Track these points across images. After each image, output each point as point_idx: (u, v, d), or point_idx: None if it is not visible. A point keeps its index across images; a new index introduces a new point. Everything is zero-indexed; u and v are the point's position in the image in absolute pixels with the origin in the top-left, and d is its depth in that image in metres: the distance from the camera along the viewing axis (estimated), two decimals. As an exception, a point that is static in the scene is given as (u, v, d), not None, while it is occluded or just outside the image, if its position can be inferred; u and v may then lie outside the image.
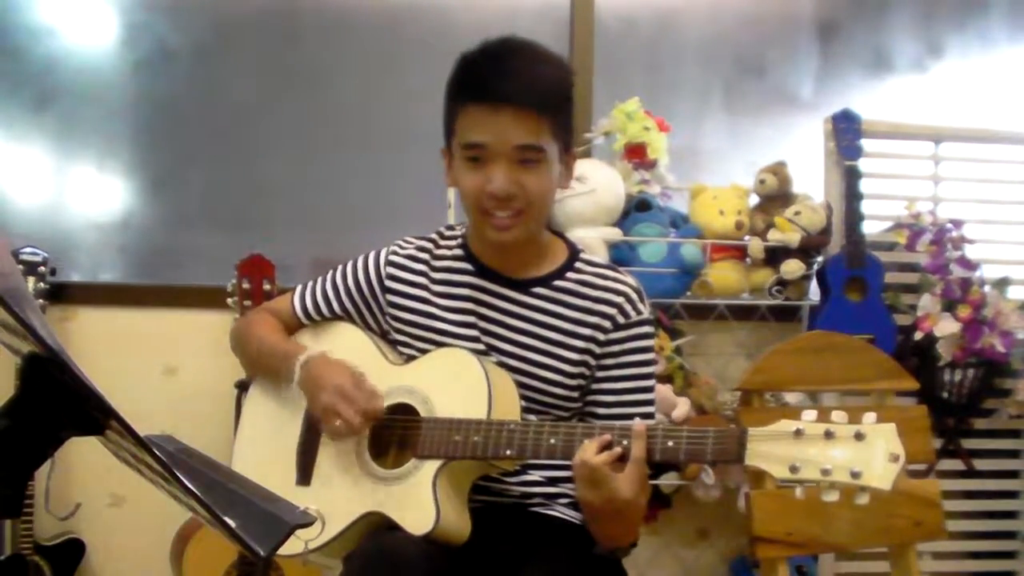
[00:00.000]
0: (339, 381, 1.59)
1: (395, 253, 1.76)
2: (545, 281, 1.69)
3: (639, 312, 1.68)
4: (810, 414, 1.35)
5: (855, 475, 1.30)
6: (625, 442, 1.44)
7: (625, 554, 1.59)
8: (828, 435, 1.32)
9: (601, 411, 1.66)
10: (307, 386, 1.65)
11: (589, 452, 1.43)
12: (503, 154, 1.56)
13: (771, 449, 1.35)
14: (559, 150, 1.62)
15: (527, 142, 1.57)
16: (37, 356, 0.82)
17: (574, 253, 1.73)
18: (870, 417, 1.33)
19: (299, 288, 1.83)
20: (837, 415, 1.34)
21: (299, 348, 1.71)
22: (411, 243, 1.77)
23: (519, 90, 1.55)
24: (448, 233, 1.77)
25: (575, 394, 1.67)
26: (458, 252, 1.73)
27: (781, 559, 1.91)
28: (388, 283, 1.74)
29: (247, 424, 1.82)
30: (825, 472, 1.31)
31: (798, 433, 1.34)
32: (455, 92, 1.62)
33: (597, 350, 1.66)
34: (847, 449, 1.31)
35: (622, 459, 1.43)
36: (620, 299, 1.67)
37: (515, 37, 1.63)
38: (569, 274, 1.70)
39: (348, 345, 1.74)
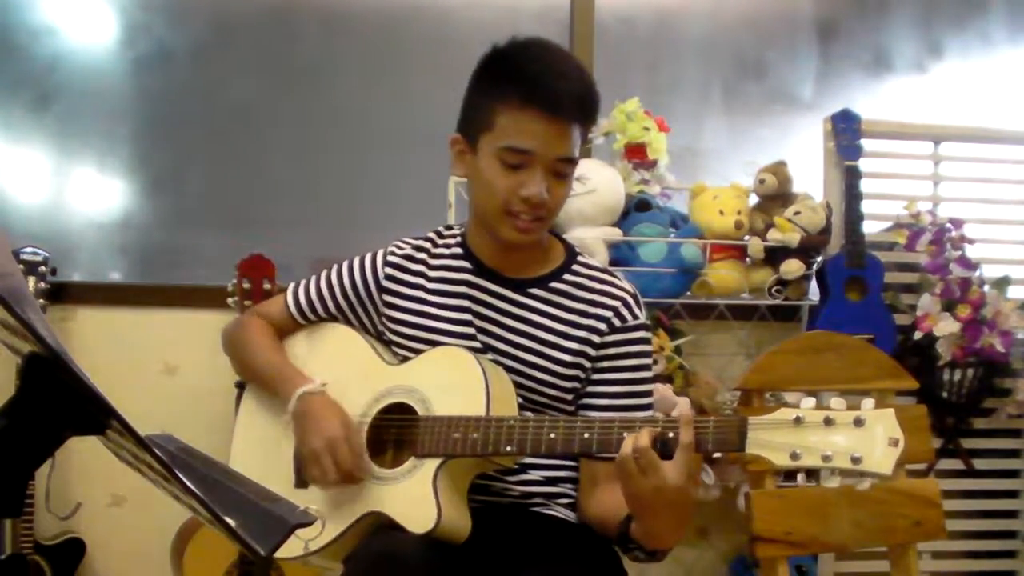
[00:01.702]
0: (332, 433, 1.58)
1: (392, 254, 1.76)
2: (541, 282, 1.69)
3: (635, 317, 1.68)
4: (809, 401, 1.35)
5: (855, 460, 1.30)
6: (672, 434, 1.40)
7: (663, 557, 1.53)
8: (828, 422, 1.33)
9: (594, 414, 1.65)
10: (300, 422, 1.65)
11: (642, 439, 1.37)
12: (545, 163, 1.57)
13: (771, 437, 1.35)
14: None
15: (570, 155, 1.59)
16: (37, 356, 0.82)
17: (571, 255, 1.74)
18: (868, 403, 1.34)
19: (292, 286, 1.82)
20: (836, 402, 1.34)
21: (300, 377, 1.69)
22: (408, 243, 1.77)
23: (578, 105, 1.57)
24: (446, 232, 1.78)
25: (569, 396, 1.67)
26: (456, 251, 1.73)
27: (781, 559, 1.91)
28: (385, 283, 1.74)
29: (242, 429, 1.82)
30: (826, 458, 1.31)
31: (798, 421, 1.34)
32: (502, 87, 1.57)
33: (592, 353, 1.66)
34: (847, 435, 1.32)
35: (666, 448, 1.39)
36: (616, 303, 1.67)
37: (557, 44, 1.63)
38: (566, 276, 1.70)
39: (343, 347, 1.74)
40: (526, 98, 1.54)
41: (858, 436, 1.31)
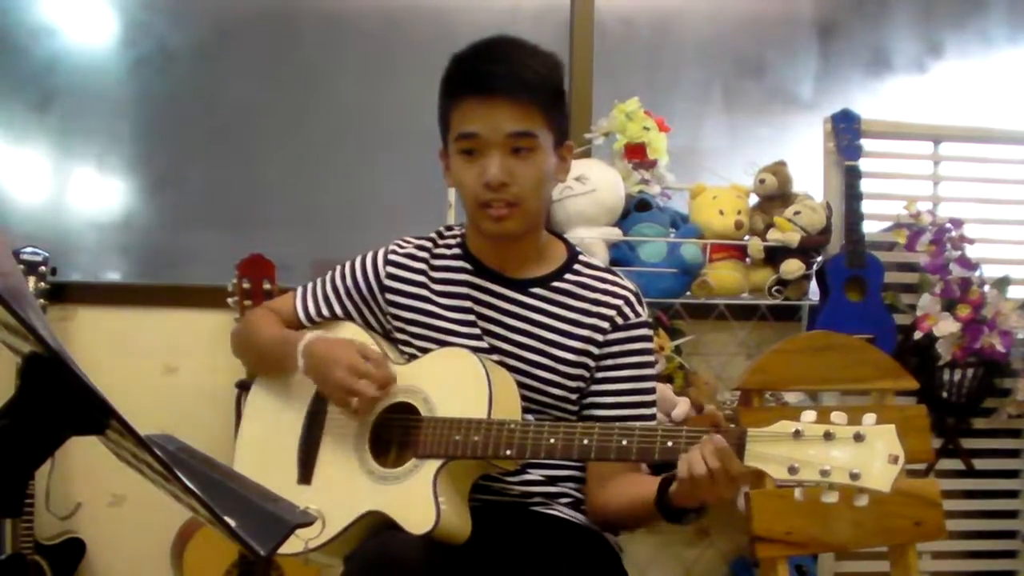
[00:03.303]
0: (347, 359, 1.60)
1: (394, 252, 1.76)
2: (543, 282, 1.70)
3: (637, 315, 1.69)
4: (809, 415, 1.35)
5: (854, 476, 1.30)
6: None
7: (704, 513, 1.51)
8: (827, 436, 1.32)
9: (599, 412, 1.67)
10: (314, 370, 1.65)
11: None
12: (496, 143, 1.59)
13: (770, 450, 1.35)
14: (553, 140, 1.64)
15: (519, 129, 1.59)
16: (38, 356, 0.82)
17: (573, 255, 1.74)
18: (870, 418, 1.33)
19: (300, 291, 1.83)
20: (837, 416, 1.34)
21: (298, 335, 1.71)
22: (410, 242, 1.77)
23: (509, 79, 1.59)
24: (447, 233, 1.78)
25: (573, 396, 1.67)
26: (457, 251, 1.73)
27: (781, 559, 1.91)
28: (387, 282, 1.74)
29: (248, 423, 1.83)
30: (824, 473, 1.31)
31: (797, 434, 1.34)
32: (448, 89, 1.65)
33: (595, 351, 1.66)
34: (846, 450, 1.31)
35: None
36: (619, 302, 1.68)
37: (504, 34, 1.67)
38: (567, 275, 1.70)
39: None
40: (461, 86, 1.61)
41: (858, 451, 1.31)
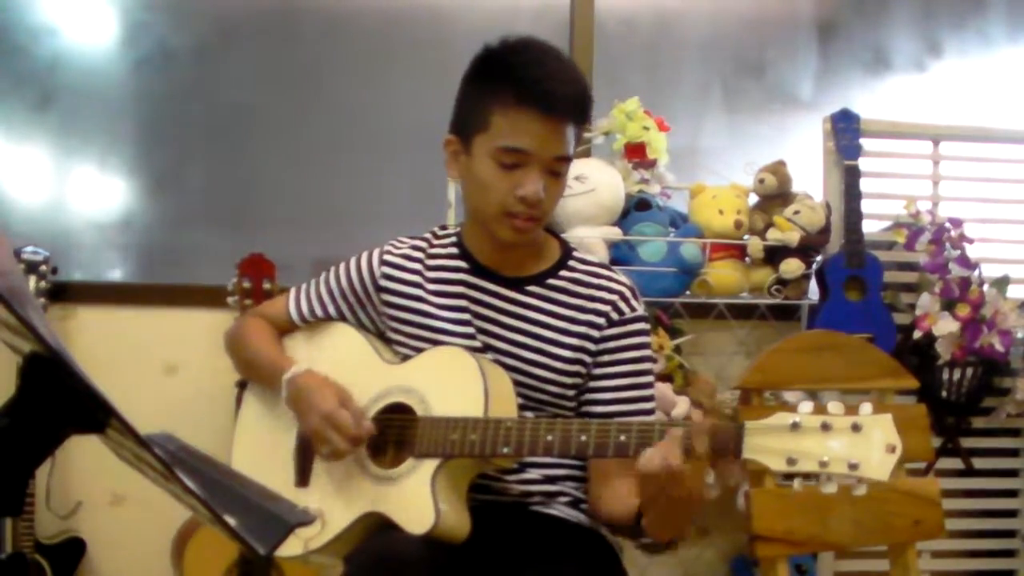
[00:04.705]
0: (325, 406, 1.59)
1: (389, 252, 1.76)
2: (539, 279, 1.69)
3: (633, 309, 1.68)
4: (807, 406, 1.35)
5: (853, 467, 1.30)
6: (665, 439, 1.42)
7: (673, 548, 1.56)
8: (825, 427, 1.33)
9: (599, 408, 1.66)
10: (295, 406, 1.66)
11: (675, 455, 1.37)
12: (542, 162, 1.58)
13: (768, 442, 1.35)
14: None
15: (564, 154, 1.60)
16: (38, 355, 0.82)
17: (567, 252, 1.74)
18: (866, 408, 1.33)
19: (293, 292, 1.83)
20: (833, 407, 1.34)
21: (285, 362, 1.70)
22: (405, 243, 1.77)
23: (573, 104, 1.58)
24: (441, 233, 1.78)
25: (570, 392, 1.67)
26: (452, 251, 1.73)
27: (781, 557, 1.91)
28: (382, 282, 1.74)
29: (244, 426, 1.83)
30: (823, 464, 1.31)
31: (795, 426, 1.34)
32: (497, 87, 1.58)
33: (592, 347, 1.66)
34: (844, 441, 1.32)
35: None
36: (614, 296, 1.68)
37: (547, 42, 1.64)
38: (562, 272, 1.70)
39: (343, 346, 1.74)
40: (522, 98, 1.55)
41: (855, 442, 1.31)
